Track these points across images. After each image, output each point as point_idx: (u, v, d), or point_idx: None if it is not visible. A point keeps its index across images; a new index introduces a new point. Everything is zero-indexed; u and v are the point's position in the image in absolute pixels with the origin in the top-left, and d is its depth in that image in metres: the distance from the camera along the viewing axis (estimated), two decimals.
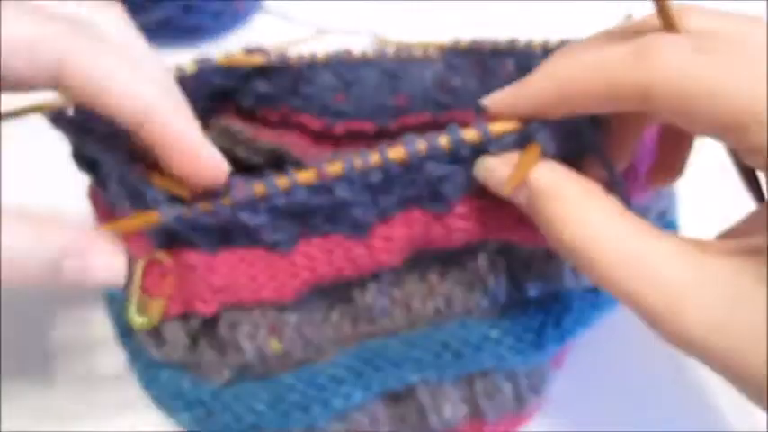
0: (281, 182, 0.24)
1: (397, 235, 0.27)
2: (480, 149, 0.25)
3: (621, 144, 0.27)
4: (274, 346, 0.28)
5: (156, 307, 0.27)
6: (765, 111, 0.19)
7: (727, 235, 0.23)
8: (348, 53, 0.36)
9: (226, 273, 0.26)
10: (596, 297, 0.31)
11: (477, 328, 0.29)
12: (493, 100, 0.25)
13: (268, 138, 0.39)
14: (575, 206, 0.23)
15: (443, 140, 0.24)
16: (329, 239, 0.27)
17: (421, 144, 0.24)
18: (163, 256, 0.26)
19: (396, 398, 0.30)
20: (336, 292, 0.29)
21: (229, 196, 0.24)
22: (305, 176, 0.24)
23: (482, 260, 0.29)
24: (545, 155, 0.24)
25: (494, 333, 0.29)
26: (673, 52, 0.20)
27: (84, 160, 0.28)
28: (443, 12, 0.59)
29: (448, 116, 0.38)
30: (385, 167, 0.24)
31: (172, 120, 0.24)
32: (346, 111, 0.37)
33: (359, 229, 0.26)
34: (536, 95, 0.24)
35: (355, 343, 0.30)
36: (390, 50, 0.37)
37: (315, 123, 0.38)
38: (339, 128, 0.38)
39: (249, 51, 0.36)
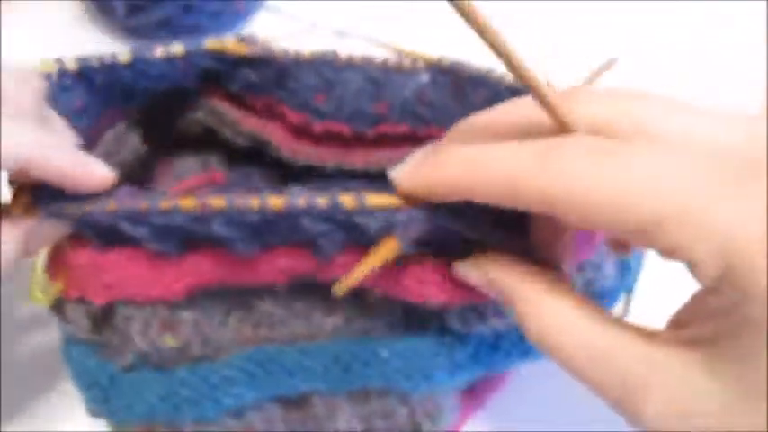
0: (164, 204, 0.25)
1: (281, 265, 0.27)
2: (356, 216, 0.25)
3: (557, 241, 0.27)
4: (169, 341, 0.28)
5: (54, 289, 0.28)
6: (671, 214, 0.19)
7: (675, 322, 0.23)
8: (334, 54, 0.36)
9: (114, 271, 0.27)
10: (496, 342, 0.31)
11: (369, 345, 0.29)
12: (401, 174, 0.25)
13: (252, 124, 0.39)
14: (533, 305, 0.23)
15: (322, 201, 0.25)
16: (216, 252, 0.27)
17: (301, 200, 0.25)
18: (66, 243, 0.27)
19: (294, 403, 0.31)
20: (234, 296, 0.30)
21: (114, 204, 0.25)
22: (186, 203, 0.25)
23: (374, 298, 0.29)
24: (404, 250, 0.25)
25: (384, 353, 0.29)
26: (570, 161, 0.20)
27: None
28: (447, 13, 0.59)
29: (426, 131, 0.38)
30: (262, 213, 0.25)
31: (49, 157, 0.25)
32: (326, 111, 0.37)
33: (243, 254, 0.27)
34: (441, 188, 0.24)
35: (255, 345, 0.30)
36: (378, 56, 0.37)
37: (295, 118, 0.38)
38: (318, 126, 0.38)
39: (240, 40, 0.36)
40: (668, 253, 0.19)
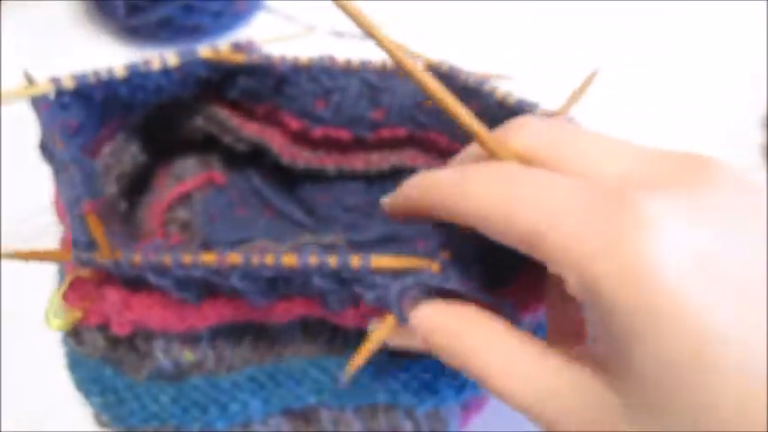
0: (185, 258, 0.26)
1: (296, 311, 0.29)
2: (356, 285, 0.26)
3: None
4: (188, 356, 0.30)
5: (72, 316, 0.29)
6: (541, 230, 0.21)
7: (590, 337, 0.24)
8: (331, 59, 0.36)
9: (140, 311, 0.28)
10: None
11: (377, 358, 0.30)
12: (387, 199, 0.29)
13: (251, 130, 0.40)
14: (459, 337, 0.24)
15: (332, 261, 0.26)
16: (233, 300, 0.28)
17: (313, 258, 0.26)
18: (87, 275, 0.28)
19: (302, 418, 0.31)
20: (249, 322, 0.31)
21: (139, 257, 0.26)
22: (206, 259, 0.26)
23: None
24: (402, 323, 0.26)
25: (391, 366, 0.30)
26: (476, 182, 0.23)
27: (46, 151, 0.29)
28: (452, 15, 0.59)
29: (424, 135, 0.38)
30: (277, 269, 0.26)
31: None
32: (325, 117, 0.37)
33: (259, 304, 0.28)
34: (400, 204, 0.28)
35: (269, 362, 0.31)
36: (375, 60, 0.37)
37: (295, 123, 0.38)
38: (318, 132, 0.38)
39: (237, 47, 0.36)
40: (548, 265, 0.21)
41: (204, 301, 0.28)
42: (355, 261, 0.26)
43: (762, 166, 0.52)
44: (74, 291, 0.29)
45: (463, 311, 0.25)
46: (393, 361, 0.30)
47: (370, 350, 0.26)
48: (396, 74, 0.37)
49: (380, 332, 0.26)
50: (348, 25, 0.55)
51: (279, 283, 0.27)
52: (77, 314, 0.29)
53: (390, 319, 0.25)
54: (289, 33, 0.45)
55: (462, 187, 0.24)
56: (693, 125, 0.52)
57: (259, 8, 0.60)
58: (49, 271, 0.34)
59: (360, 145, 0.39)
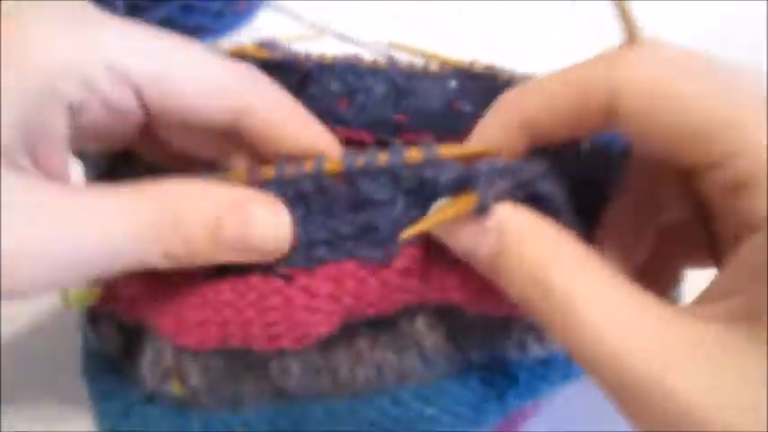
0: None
1: (322, 290, 0.24)
2: (421, 180, 0.23)
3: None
4: (176, 389, 0.27)
5: (91, 294, 0.28)
6: (738, 119, 0.19)
7: (703, 300, 0.21)
8: (358, 59, 0.36)
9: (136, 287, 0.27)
10: (546, 370, 0.29)
11: (412, 406, 0.27)
12: (482, 123, 0.25)
13: None
14: (553, 249, 0.21)
15: (382, 157, 0.23)
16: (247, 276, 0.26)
17: (360, 159, 0.23)
18: None
19: None
20: (254, 353, 0.27)
21: None
22: (237, 174, 0.25)
23: (420, 323, 0.27)
24: (482, 208, 0.21)
25: (429, 411, 0.27)
26: (643, 58, 0.21)
27: None
28: (456, 17, 0.59)
29: (452, 139, 0.37)
30: (316, 178, 0.23)
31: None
32: (347, 118, 0.36)
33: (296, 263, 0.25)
34: (503, 120, 0.24)
35: (273, 396, 0.28)
36: (403, 61, 0.36)
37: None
38: (340, 133, 0.37)
39: (261, 45, 0.35)
40: (717, 165, 0.19)
41: (209, 281, 0.26)
42: (415, 153, 0.22)
43: None
44: None
45: (553, 227, 0.21)
46: (429, 402, 0.27)
47: (433, 223, 0.22)
48: (423, 75, 0.36)
49: (452, 208, 0.22)
50: (349, 27, 0.55)
51: (312, 208, 0.24)
52: (96, 292, 0.28)
53: (469, 200, 0.21)
54: (293, 34, 0.44)
55: (619, 65, 0.21)
56: None
57: (261, 8, 0.60)
58: None
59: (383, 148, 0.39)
